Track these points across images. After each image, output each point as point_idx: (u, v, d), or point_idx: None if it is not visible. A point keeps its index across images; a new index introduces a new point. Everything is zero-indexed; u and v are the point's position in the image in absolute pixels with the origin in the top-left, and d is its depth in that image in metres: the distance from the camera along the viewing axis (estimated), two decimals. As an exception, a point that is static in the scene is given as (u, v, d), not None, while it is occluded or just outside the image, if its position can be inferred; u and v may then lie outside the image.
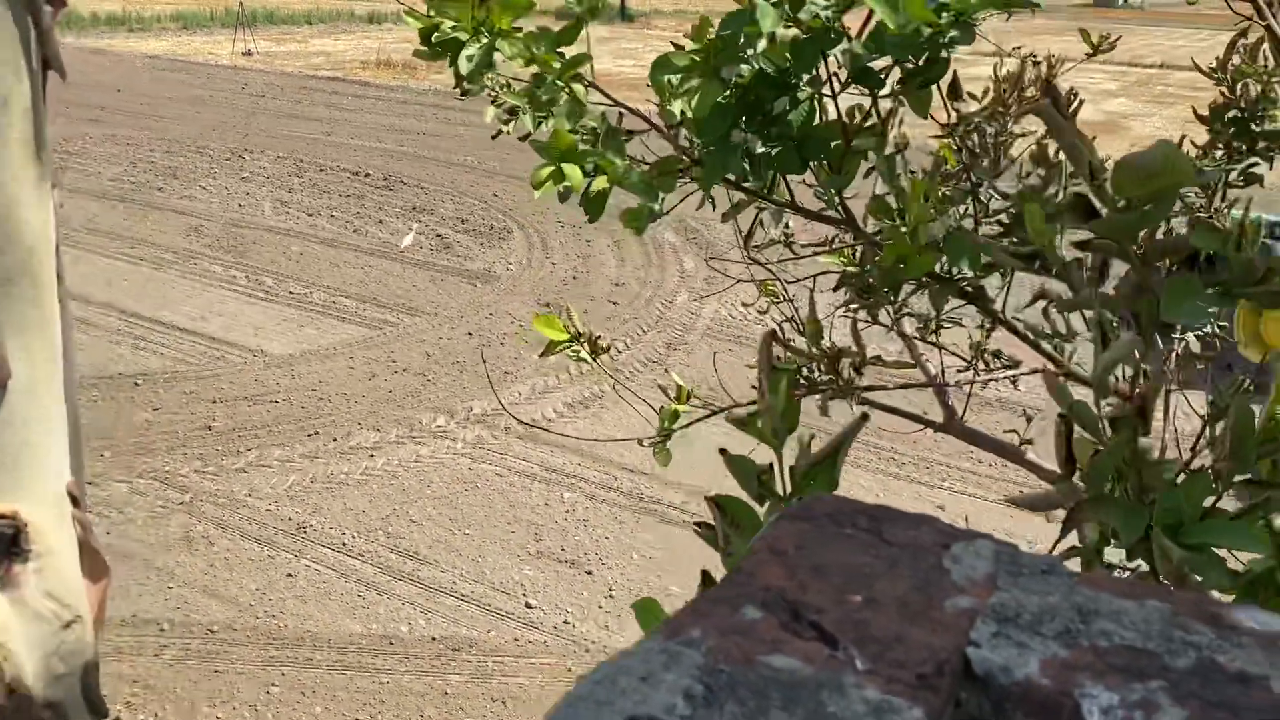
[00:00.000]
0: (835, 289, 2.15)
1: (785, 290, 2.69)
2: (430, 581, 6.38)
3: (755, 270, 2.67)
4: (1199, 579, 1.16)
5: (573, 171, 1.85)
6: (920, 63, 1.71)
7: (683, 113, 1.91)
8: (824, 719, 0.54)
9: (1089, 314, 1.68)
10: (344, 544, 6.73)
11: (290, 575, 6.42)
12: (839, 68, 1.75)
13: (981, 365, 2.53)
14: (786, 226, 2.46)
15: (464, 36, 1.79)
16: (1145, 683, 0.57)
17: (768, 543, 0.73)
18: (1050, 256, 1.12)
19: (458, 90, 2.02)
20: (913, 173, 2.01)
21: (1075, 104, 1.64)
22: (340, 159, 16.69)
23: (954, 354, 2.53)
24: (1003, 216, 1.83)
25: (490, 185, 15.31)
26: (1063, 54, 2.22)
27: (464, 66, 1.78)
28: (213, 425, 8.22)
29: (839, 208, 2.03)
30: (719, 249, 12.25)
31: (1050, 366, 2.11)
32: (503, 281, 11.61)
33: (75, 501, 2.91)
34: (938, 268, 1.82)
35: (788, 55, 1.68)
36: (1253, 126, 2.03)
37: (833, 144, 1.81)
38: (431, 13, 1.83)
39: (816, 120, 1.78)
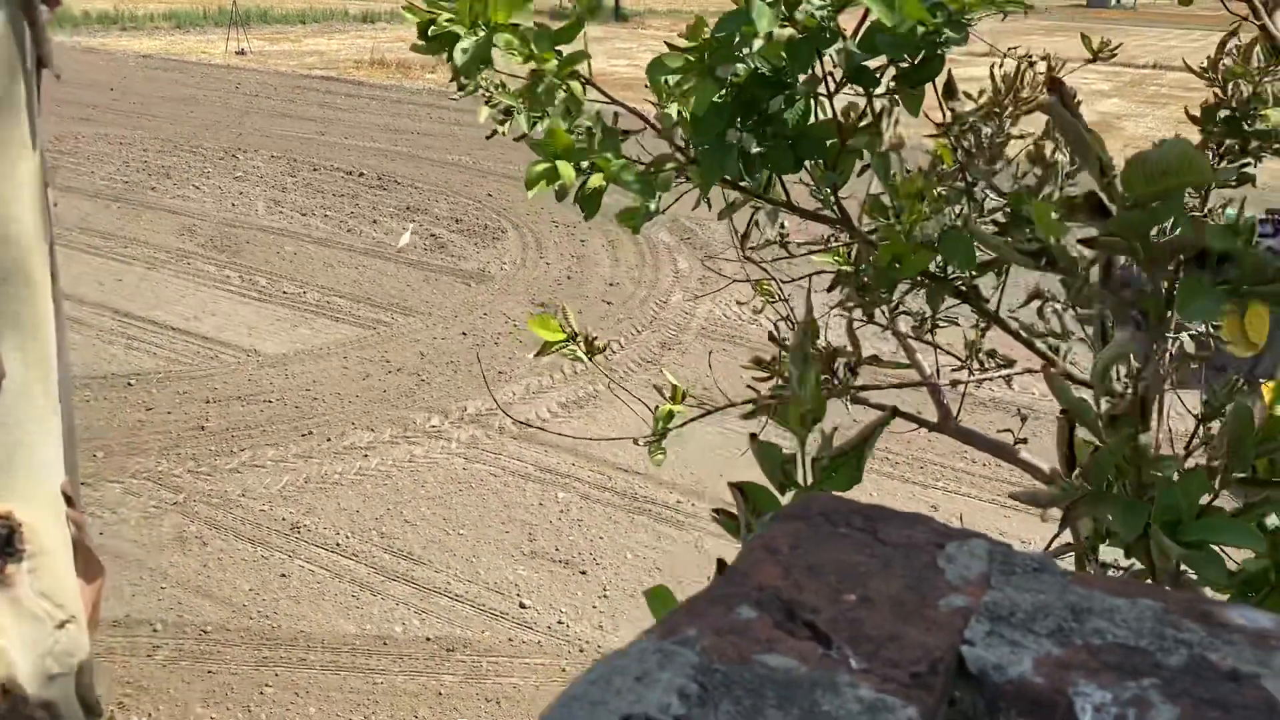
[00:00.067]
0: (830, 289, 2.16)
1: (780, 290, 2.69)
2: (424, 582, 6.38)
3: (750, 270, 2.67)
4: (1195, 576, 1.16)
5: (566, 169, 1.85)
6: (915, 62, 1.71)
7: (679, 112, 1.91)
8: (818, 718, 0.54)
9: (1084, 312, 1.68)
10: (338, 544, 6.73)
11: (284, 575, 6.41)
12: (834, 67, 1.75)
13: (976, 365, 2.54)
14: (782, 226, 2.46)
15: (461, 30, 1.79)
16: (1138, 680, 0.57)
17: (763, 542, 0.73)
18: (1058, 253, 1.12)
19: (454, 86, 2.02)
20: (909, 171, 2.02)
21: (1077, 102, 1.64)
22: (334, 158, 16.67)
23: (949, 353, 2.54)
24: (998, 216, 1.84)
25: (485, 185, 15.30)
26: (1056, 54, 2.22)
27: (459, 58, 1.78)
28: (206, 425, 8.21)
29: (834, 207, 2.03)
30: (713, 249, 12.26)
31: (1042, 367, 2.12)
32: (497, 281, 11.60)
33: (70, 501, 2.90)
34: (932, 267, 1.82)
35: (783, 54, 1.68)
36: (1244, 126, 2.03)
37: (828, 143, 1.81)
38: (429, 7, 1.83)
39: (812, 119, 1.78)
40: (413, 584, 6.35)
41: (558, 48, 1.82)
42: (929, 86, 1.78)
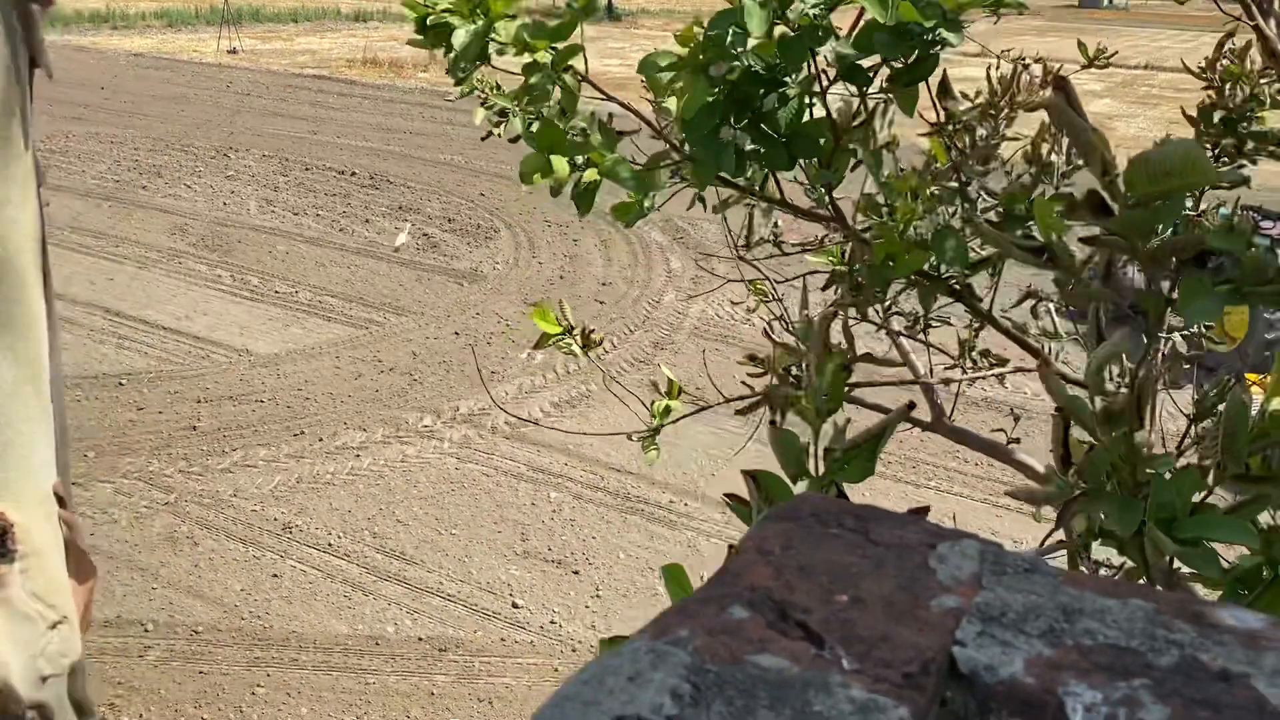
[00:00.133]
0: (824, 288, 2.16)
1: (774, 289, 2.69)
2: (416, 582, 6.37)
3: (743, 270, 2.68)
4: (1189, 573, 1.17)
5: (560, 163, 1.85)
6: (909, 62, 1.71)
7: (673, 110, 1.91)
8: (810, 718, 0.54)
9: (1078, 310, 1.68)
10: (330, 544, 6.72)
11: (276, 576, 6.40)
12: (828, 65, 1.75)
13: (969, 364, 2.54)
14: (776, 226, 2.46)
15: (458, 21, 1.79)
16: (1129, 681, 0.57)
17: (755, 543, 0.73)
18: (1060, 251, 1.12)
19: (448, 86, 2.01)
20: (902, 170, 2.02)
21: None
22: (326, 158, 16.64)
23: (942, 352, 2.54)
24: (991, 215, 1.84)
25: (477, 184, 15.29)
26: (1048, 55, 2.23)
27: (458, 41, 1.77)
28: (197, 425, 8.19)
29: (828, 205, 2.04)
30: (706, 248, 12.27)
31: (1037, 366, 2.12)
32: (489, 281, 11.60)
33: (61, 502, 2.90)
34: (926, 266, 1.83)
35: (776, 53, 1.68)
36: (1240, 128, 2.03)
37: (822, 141, 1.81)
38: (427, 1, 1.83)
39: (805, 118, 1.78)
40: (405, 584, 6.35)
41: (553, 45, 1.82)
42: (923, 86, 1.79)
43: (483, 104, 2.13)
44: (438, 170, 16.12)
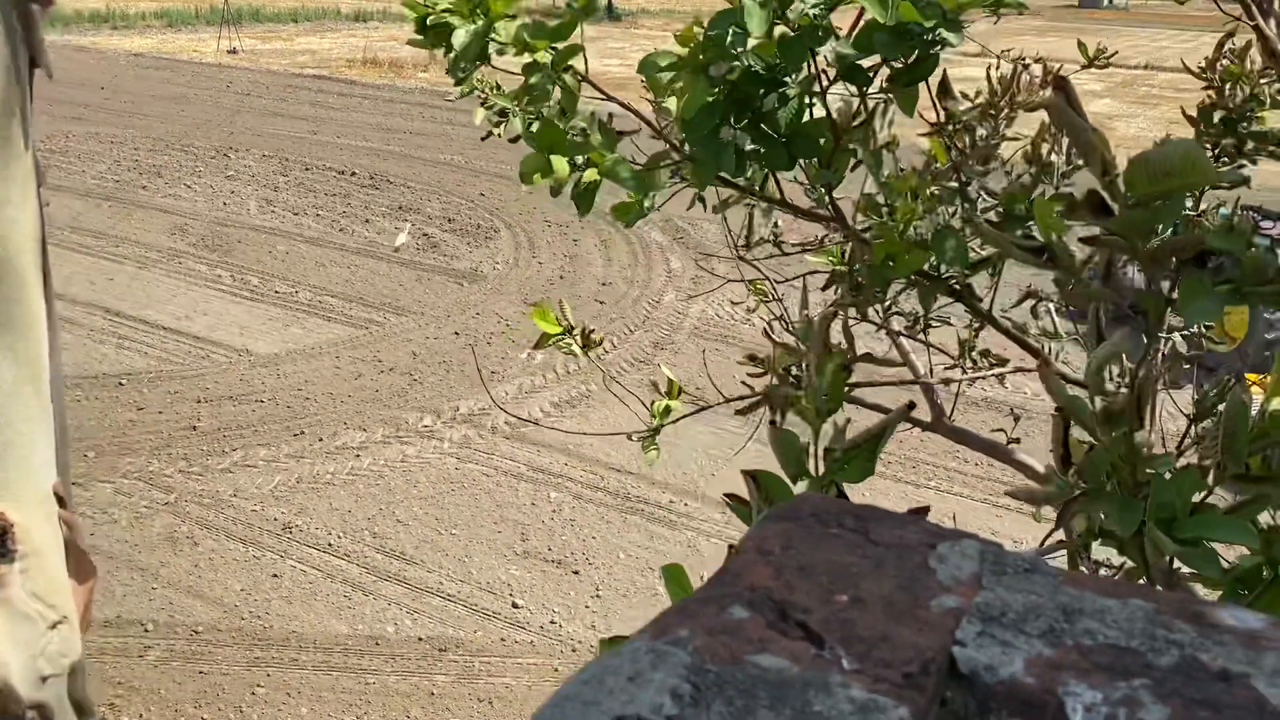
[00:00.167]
0: (824, 288, 2.16)
1: (774, 289, 2.69)
2: (416, 582, 6.37)
3: (743, 270, 2.68)
4: (1189, 573, 1.17)
5: (560, 163, 1.85)
6: (909, 62, 1.71)
7: (671, 109, 1.91)
8: (810, 718, 0.54)
9: (1078, 310, 1.68)
10: (330, 544, 6.72)
11: (276, 576, 6.40)
12: (828, 65, 1.75)
13: (969, 364, 2.54)
14: (776, 226, 2.46)
15: (458, 21, 1.79)
16: (1129, 681, 0.57)
17: (755, 543, 0.73)
18: (1059, 251, 1.12)
19: (447, 86, 2.02)
20: (902, 170, 2.02)
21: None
22: (326, 158, 16.64)
23: (942, 351, 2.54)
24: (991, 215, 1.84)
25: (477, 184, 15.30)
26: (1048, 55, 2.23)
27: (458, 41, 1.77)
28: (197, 425, 8.20)
29: (828, 205, 2.04)
30: (706, 248, 12.27)
31: (1037, 366, 2.12)
32: (489, 281, 11.60)
33: (61, 501, 2.90)
34: (926, 266, 1.83)
35: (776, 53, 1.68)
36: (1241, 128, 2.03)
37: (822, 141, 1.81)
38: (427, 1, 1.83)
39: (805, 118, 1.78)
40: (405, 584, 6.35)
41: (554, 44, 1.82)
42: (923, 86, 1.79)
43: (483, 104, 2.13)
44: (438, 170, 16.12)
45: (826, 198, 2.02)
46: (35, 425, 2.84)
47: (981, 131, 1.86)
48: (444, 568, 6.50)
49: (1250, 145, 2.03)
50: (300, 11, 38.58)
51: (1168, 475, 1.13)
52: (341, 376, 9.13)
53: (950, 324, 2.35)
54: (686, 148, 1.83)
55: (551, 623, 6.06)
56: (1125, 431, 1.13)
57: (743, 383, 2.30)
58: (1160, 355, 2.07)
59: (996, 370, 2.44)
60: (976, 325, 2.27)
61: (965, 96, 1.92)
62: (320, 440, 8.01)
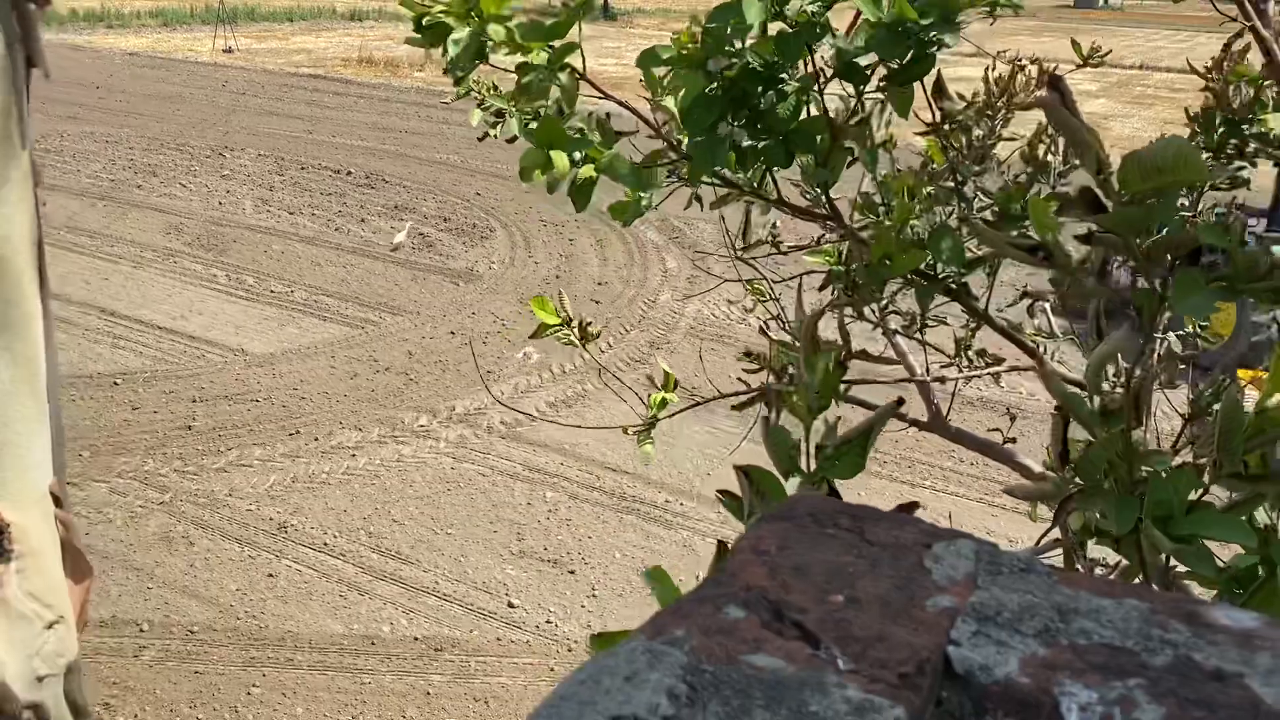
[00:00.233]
0: (822, 288, 2.16)
1: (771, 289, 2.69)
2: (412, 581, 6.37)
3: (739, 269, 2.68)
4: (1185, 571, 1.17)
5: (560, 158, 1.85)
6: (904, 62, 1.72)
7: (674, 106, 1.91)
8: (806, 718, 0.54)
9: (1075, 309, 1.68)
10: (325, 544, 6.71)
11: (271, 575, 6.40)
12: (825, 64, 1.75)
13: (965, 363, 2.54)
14: (774, 226, 2.46)
15: (453, 22, 1.78)
16: (1123, 680, 0.57)
17: (751, 543, 0.73)
18: (1054, 249, 1.13)
19: (444, 85, 2.02)
20: (899, 170, 2.02)
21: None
22: (322, 157, 16.63)
23: (939, 350, 2.55)
24: (987, 214, 1.84)
25: (473, 184, 15.29)
26: (1043, 55, 2.23)
27: (451, 50, 1.77)
28: (193, 425, 8.19)
29: (825, 204, 2.04)
30: (702, 248, 12.27)
31: (1035, 364, 2.12)
32: (485, 280, 11.59)
33: (58, 501, 2.89)
34: (923, 265, 1.83)
35: (774, 49, 1.69)
36: (1243, 129, 2.04)
37: (819, 139, 1.82)
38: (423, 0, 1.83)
39: (803, 115, 1.78)
40: (401, 583, 6.35)
41: (550, 43, 1.81)
42: (919, 86, 1.79)
43: (479, 105, 2.13)
44: (433, 169, 16.11)
45: (823, 197, 2.03)
46: (32, 425, 2.84)
47: (978, 132, 1.87)
48: (440, 567, 6.50)
49: (1252, 147, 2.03)
50: (296, 11, 38.54)
51: (1164, 473, 1.13)
52: (337, 376, 9.12)
53: (946, 323, 2.35)
54: (684, 145, 1.83)
55: (547, 622, 6.06)
56: (1122, 429, 1.14)
57: (739, 379, 2.30)
58: (1156, 355, 2.07)
59: (992, 369, 2.44)
60: (973, 325, 2.28)
61: (961, 97, 1.92)
62: (316, 440, 8.01)
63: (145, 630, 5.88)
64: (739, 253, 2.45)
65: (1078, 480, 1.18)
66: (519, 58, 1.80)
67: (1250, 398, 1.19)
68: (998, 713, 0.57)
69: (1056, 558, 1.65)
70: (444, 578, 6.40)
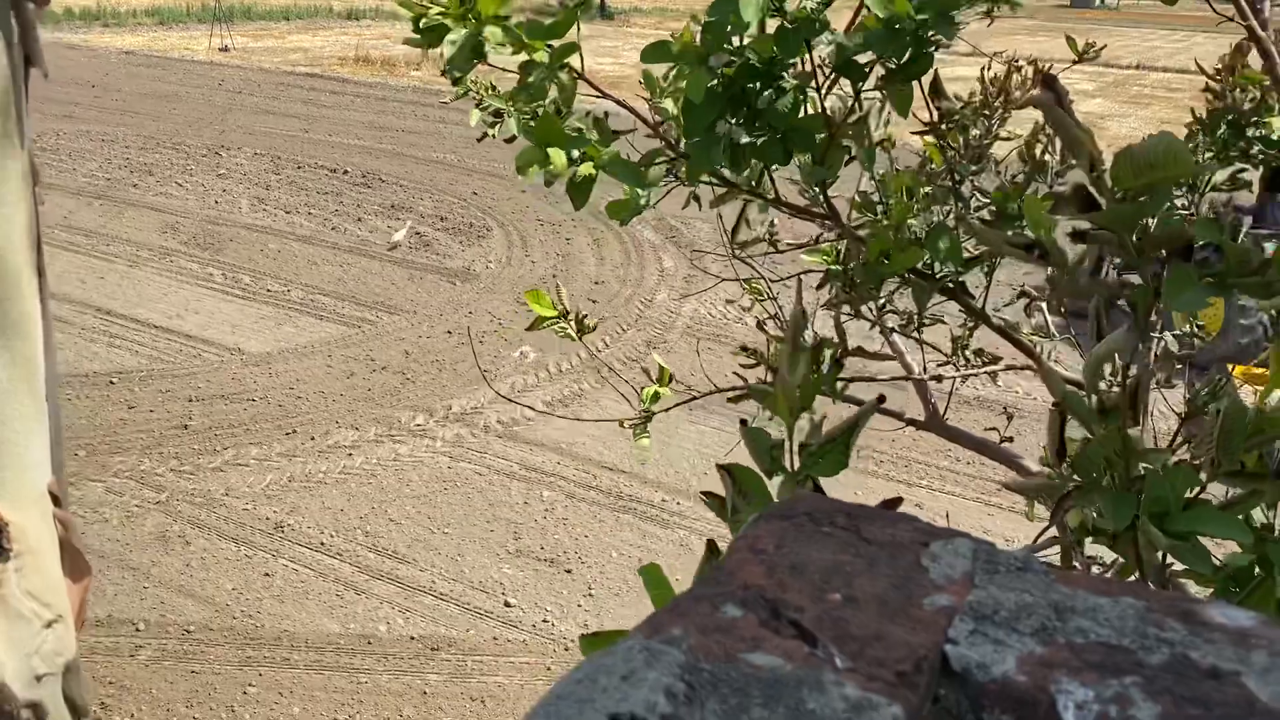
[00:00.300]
0: (820, 287, 2.16)
1: (769, 288, 2.70)
2: (409, 580, 6.37)
3: (736, 268, 2.68)
4: (1181, 569, 1.18)
5: (557, 155, 1.85)
6: (902, 60, 1.72)
7: (672, 106, 1.91)
8: (804, 716, 0.54)
9: (1073, 306, 1.68)
10: (322, 543, 6.71)
11: (268, 575, 6.39)
12: (823, 62, 1.76)
13: (962, 362, 2.55)
14: (771, 225, 2.47)
15: (451, 23, 1.78)
16: (1120, 679, 0.57)
17: (748, 542, 0.73)
18: (1049, 245, 1.13)
19: (441, 84, 2.02)
20: (897, 170, 2.03)
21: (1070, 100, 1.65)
22: (318, 156, 16.61)
23: (936, 349, 2.55)
24: (984, 214, 1.85)
25: (469, 183, 15.28)
26: (1040, 55, 2.23)
27: (448, 51, 1.78)
28: (189, 424, 8.18)
29: (823, 202, 2.04)
30: (699, 247, 12.26)
31: (1031, 363, 2.13)
32: (482, 280, 11.59)
33: (57, 500, 2.89)
34: (920, 264, 1.83)
35: (774, 47, 1.69)
36: (1248, 132, 2.04)
37: (817, 137, 1.82)
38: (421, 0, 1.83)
39: (801, 113, 1.78)
40: (397, 583, 6.34)
41: (549, 43, 1.82)
42: (916, 86, 1.79)
43: (478, 105, 2.13)
44: (430, 168, 16.10)
45: (821, 195, 2.03)
46: (31, 424, 2.83)
47: (975, 131, 1.87)
48: (436, 566, 6.50)
49: (1256, 149, 2.04)
50: (292, 9, 38.49)
51: (1161, 470, 1.13)
52: (334, 375, 9.11)
53: (944, 322, 2.35)
54: (682, 144, 1.83)
55: (544, 621, 6.06)
56: (1120, 426, 1.14)
57: (735, 373, 2.31)
58: (1153, 354, 2.08)
59: (989, 368, 2.45)
60: (970, 324, 2.28)
61: (958, 98, 1.93)
62: (312, 439, 8.00)
63: (141, 630, 5.88)
64: (736, 252, 2.45)
65: (1075, 477, 1.19)
66: (521, 56, 1.80)
67: (1245, 395, 1.20)
68: (995, 710, 0.58)
69: (1053, 556, 1.66)
70: (440, 577, 6.40)
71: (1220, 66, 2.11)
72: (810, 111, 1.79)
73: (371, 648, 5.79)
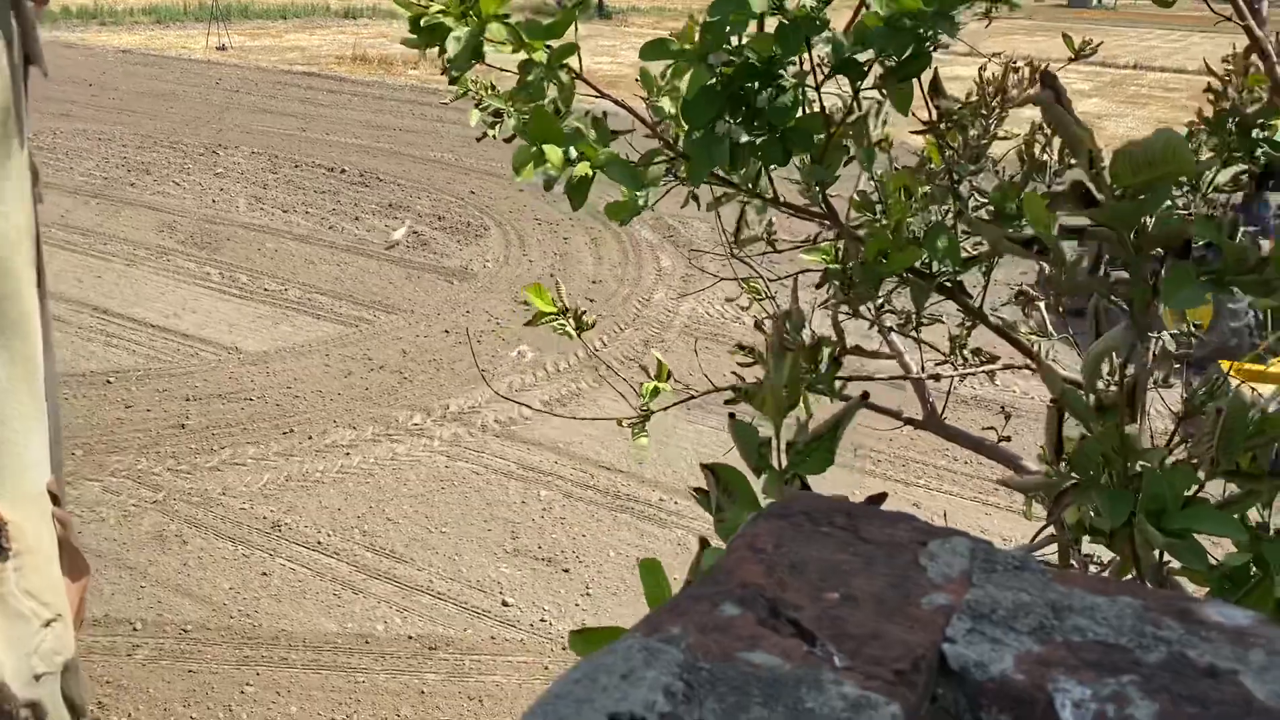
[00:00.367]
0: (819, 286, 2.17)
1: (767, 287, 2.70)
2: (406, 580, 6.36)
3: (734, 268, 2.68)
4: (1178, 567, 1.18)
5: (553, 153, 1.85)
6: (901, 59, 1.72)
7: (668, 108, 1.91)
8: (802, 715, 0.54)
9: (1071, 304, 1.69)
10: (319, 542, 6.71)
11: (265, 574, 6.39)
12: (822, 61, 1.76)
13: (960, 361, 2.55)
14: (770, 225, 2.47)
15: (451, 22, 1.79)
16: (1117, 677, 0.58)
17: (746, 540, 0.73)
18: (1049, 243, 1.13)
19: (439, 83, 2.02)
20: (895, 170, 2.03)
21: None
22: (315, 155, 16.60)
23: (934, 348, 2.55)
24: (983, 213, 1.85)
25: (467, 182, 15.27)
26: (1037, 54, 2.24)
27: (451, 48, 1.77)
28: (186, 423, 8.17)
29: (821, 202, 2.04)
30: (697, 246, 12.26)
31: (1029, 362, 2.13)
32: (480, 279, 11.58)
33: (56, 500, 2.89)
34: (918, 263, 1.83)
35: (773, 46, 1.69)
36: (1254, 134, 2.04)
37: (816, 137, 1.82)
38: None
39: (800, 112, 1.78)
40: (395, 582, 6.34)
41: (548, 42, 1.82)
42: (916, 84, 1.79)
43: (477, 105, 2.13)
44: (427, 168, 16.09)
45: (820, 195, 2.03)
46: (30, 423, 2.83)
47: (973, 131, 1.87)
48: (434, 566, 6.50)
49: (1260, 151, 2.04)
50: (290, 8, 38.46)
51: (1159, 468, 1.14)
52: (331, 374, 9.11)
53: (942, 321, 2.36)
54: (680, 144, 1.84)
55: (542, 620, 6.06)
56: (1117, 423, 1.14)
57: (732, 372, 2.31)
58: (1151, 354, 2.08)
59: (987, 367, 2.45)
60: (968, 323, 2.28)
61: (955, 99, 1.93)
62: (310, 438, 8.00)
63: (138, 629, 5.87)
64: (734, 251, 2.45)
65: (1073, 474, 1.19)
66: (521, 55, 1.80)
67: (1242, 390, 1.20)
68: (993, 709, 0.58)
69: (1051, 555, 1.66)
70: (438, 576, 6.40)
71: (1230, 68, 2.11)
72: (809, 111, 1.80)
73: (369, 647, 5.79)
